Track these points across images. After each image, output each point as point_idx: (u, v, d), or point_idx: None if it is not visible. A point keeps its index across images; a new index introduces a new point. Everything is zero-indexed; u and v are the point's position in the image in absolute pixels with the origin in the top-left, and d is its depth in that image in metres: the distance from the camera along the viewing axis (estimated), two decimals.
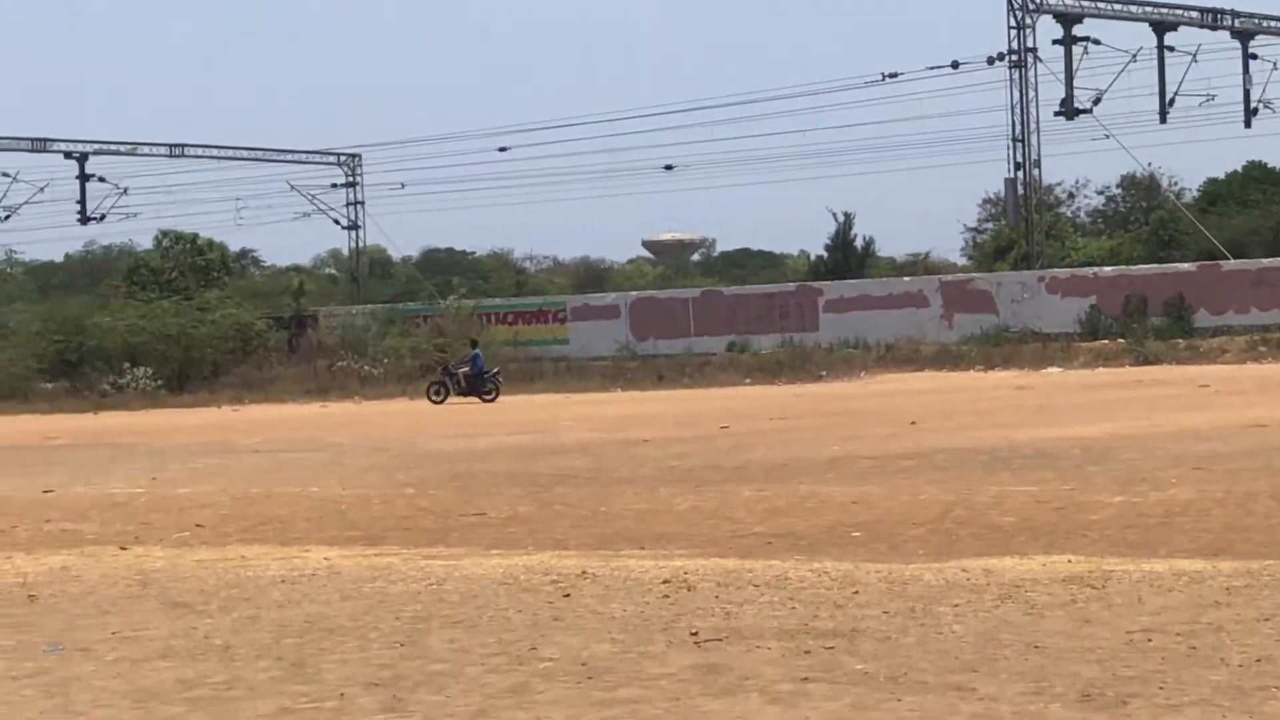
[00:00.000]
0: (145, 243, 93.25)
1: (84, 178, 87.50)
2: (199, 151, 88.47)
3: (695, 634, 11.65)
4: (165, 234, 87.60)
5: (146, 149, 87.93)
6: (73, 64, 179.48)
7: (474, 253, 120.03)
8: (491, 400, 52.83)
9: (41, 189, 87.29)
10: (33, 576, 16.03)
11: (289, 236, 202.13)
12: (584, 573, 14.75)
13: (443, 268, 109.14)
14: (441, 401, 52.92)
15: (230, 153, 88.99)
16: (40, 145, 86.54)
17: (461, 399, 52.89)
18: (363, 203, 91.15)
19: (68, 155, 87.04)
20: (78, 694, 10.46)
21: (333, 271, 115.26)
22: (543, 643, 11.53)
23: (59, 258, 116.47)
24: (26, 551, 18.35)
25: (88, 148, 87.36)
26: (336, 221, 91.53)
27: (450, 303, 72.26)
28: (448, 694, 10.03)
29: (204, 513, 21.98)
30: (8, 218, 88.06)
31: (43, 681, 10.91)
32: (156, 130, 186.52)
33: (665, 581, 14.08)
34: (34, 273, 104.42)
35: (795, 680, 10.06)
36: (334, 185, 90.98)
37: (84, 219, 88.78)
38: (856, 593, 13.19)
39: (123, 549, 18.20)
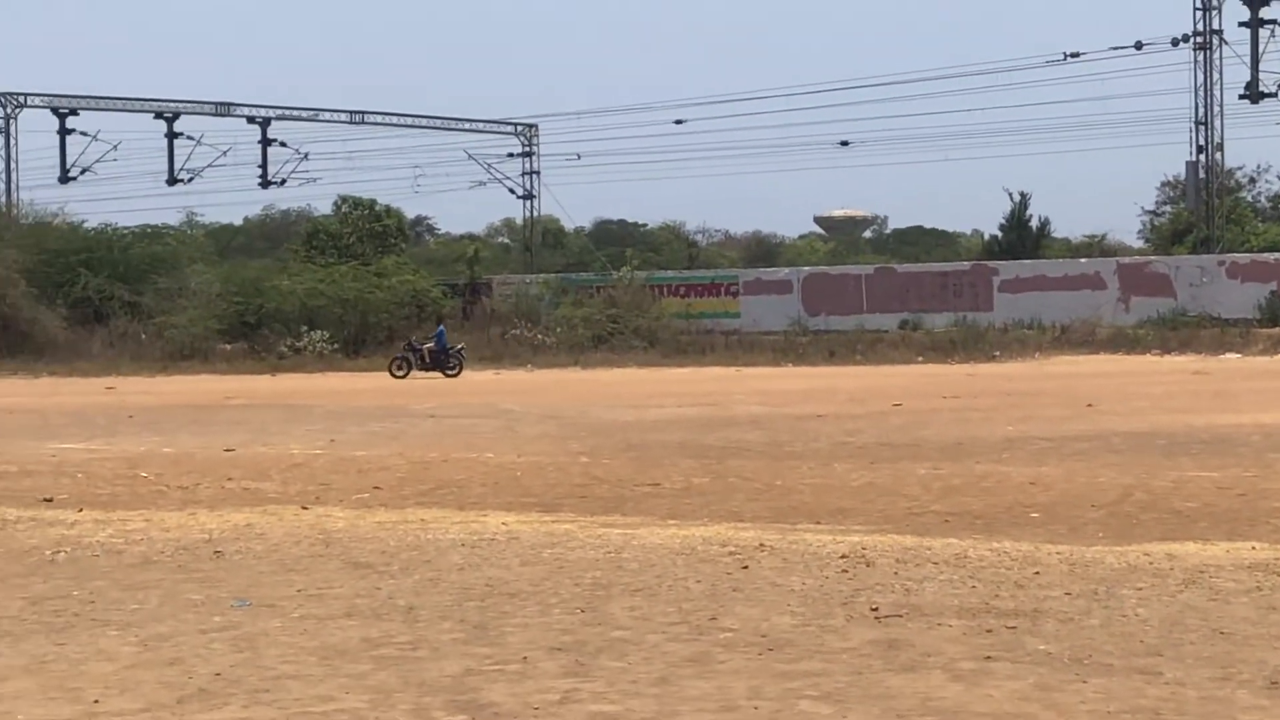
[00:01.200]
0: (324, 208, 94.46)
1: (266, 142, 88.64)
2: (379, 119, 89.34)
3: (875, 609, 11.62)
4: (344, 199, 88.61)
5: (328, 115, 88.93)
6: (257, 30, 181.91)
7: (646, 225, 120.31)
8: (455, 375, 53.20)
9: (224, 153, 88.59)
10: (218, 533, 16.31)
11: (464, 205, 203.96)
12: (761, 545, 14.76)
13: (615, 239, 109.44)
14: (404, 376, 52.83)
15: (409, 121, 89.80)
16: (224, 110, 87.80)
17: (424, 374, 53.21)
18: (538, 172, 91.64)
19: (250, 120, 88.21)
20: (265, 649, 10.63)
21: (506, 240, 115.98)
22: (722, 613, 11.56)
23: (239, 221, 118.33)
24: (210, 508, 18.68)
25: (270, 113, 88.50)
26: (512, 191, 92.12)
27: (623, 274, 72.47)
28: (629, 661, 10.08)
29: (382, 475, 22.25)
30: (191, 180, 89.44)
31: (231, 636, 11.10)
32: (338, 97, 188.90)
33: (843, 556, 14.05)
34: (214, 235, 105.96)
35: (978, 659, 10.01)
36: (510, 155, 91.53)
37: (265, 183, 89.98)
38: (1037, 573, 13.09)
39: (304, 508, 18.46)
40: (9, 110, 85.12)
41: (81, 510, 18.56)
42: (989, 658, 10.03)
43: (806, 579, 12.98)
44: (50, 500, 19.79)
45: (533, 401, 38.76)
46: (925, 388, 41.76)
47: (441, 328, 56.51)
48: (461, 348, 55.83)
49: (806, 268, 79.46)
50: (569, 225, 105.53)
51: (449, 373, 53.44)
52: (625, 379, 50.22)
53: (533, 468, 23.07)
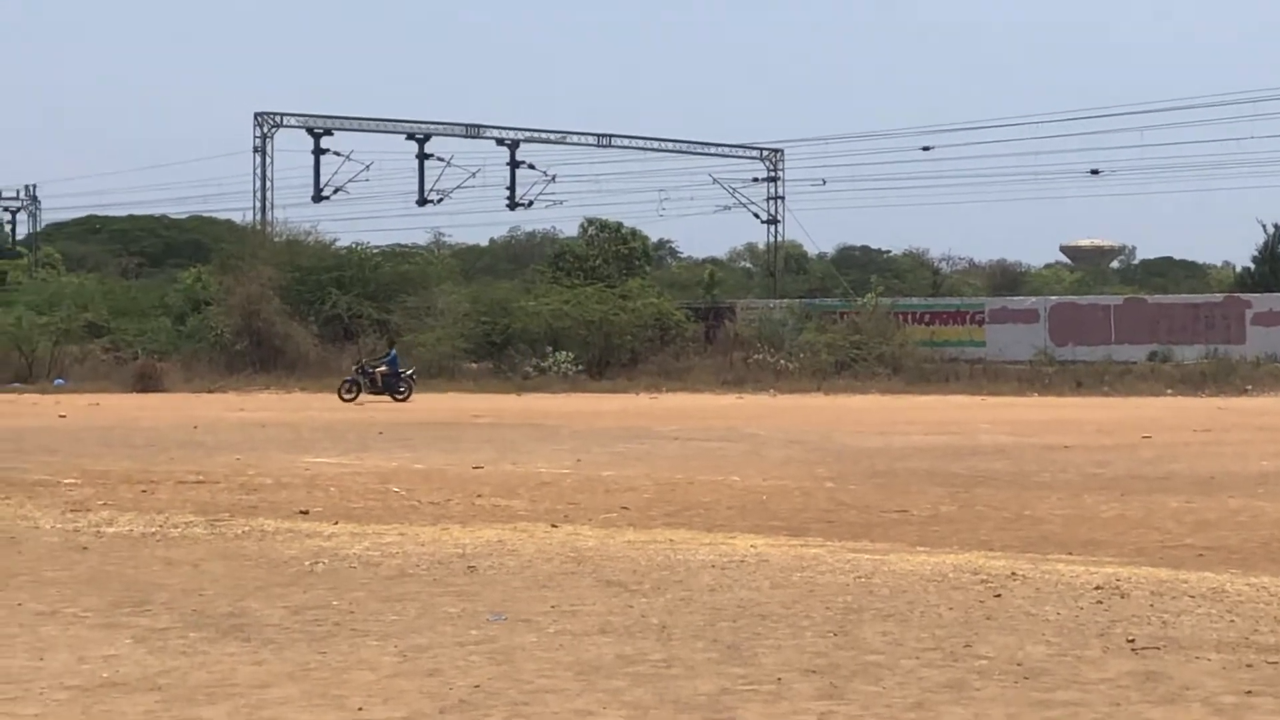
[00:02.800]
0: (570, 230, 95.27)
1: (514, 164, 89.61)
2: (625, 142, 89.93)
3: (1132, 641, 11.47)
4: (590, 221, 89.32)
5: (576, 138, 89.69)
6: (507, 53, 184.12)
7: (890, 251, 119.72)
8: (404, 399, 52.38)
9: (473, 174, 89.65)
10: (470, 548, 16.55)
11: (707, 228, 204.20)
12: (1013, 574, 14.64)
13: (858, 265, 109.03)
14: (353, 399, 52.00)
15: (656, 144, 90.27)
16: (474, 132, 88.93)
17: (373, 397, 52.41)
18: (783, 197, 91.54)
19: (500, 142, 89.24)
20: (522, 663, 10.78)
21: (748, 265, 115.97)
22: (976, 640, 11.49)
23: (486, 241, 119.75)
24: (462, 524, 18.95)
25: (519, 135, 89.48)
26: (756, 215, 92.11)
27: (867, 300, 72.16)
28: (884, 685, 10.07)
29: (629, 496, 22.39)
30: (440, 200, 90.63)
31: (488, 649, 11.27)
32: (585, 120, 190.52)
33: (1097, 587, 13.89)
34: (461, 255, 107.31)
35: (1239, 693, 9.85)
36: (755, 179, 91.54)
37: (512, 204, 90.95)
38: None
39: (554, 526, 18.65)
40: (266, 130, 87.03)
41: (337, 523, 18.94)
42: (1250, 692, 9.86)
43: (1060, 609, 12.86)
44: (306, 513, 20.21)
45: (776, 426, 38.73)
46: (1175, 420, 41.02)
47: (393, 351, 56.00)
48: (413, 371, 55.27)
49: (1054, 297, 78.47)
50: (812, 250, 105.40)
51: (398, 396, 52.63)
52: (868, 405, 49.99)
53: (779, 492, 23.06)
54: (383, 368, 53.96)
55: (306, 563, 15.59)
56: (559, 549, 16.48)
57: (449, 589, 14.00)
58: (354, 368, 55.27)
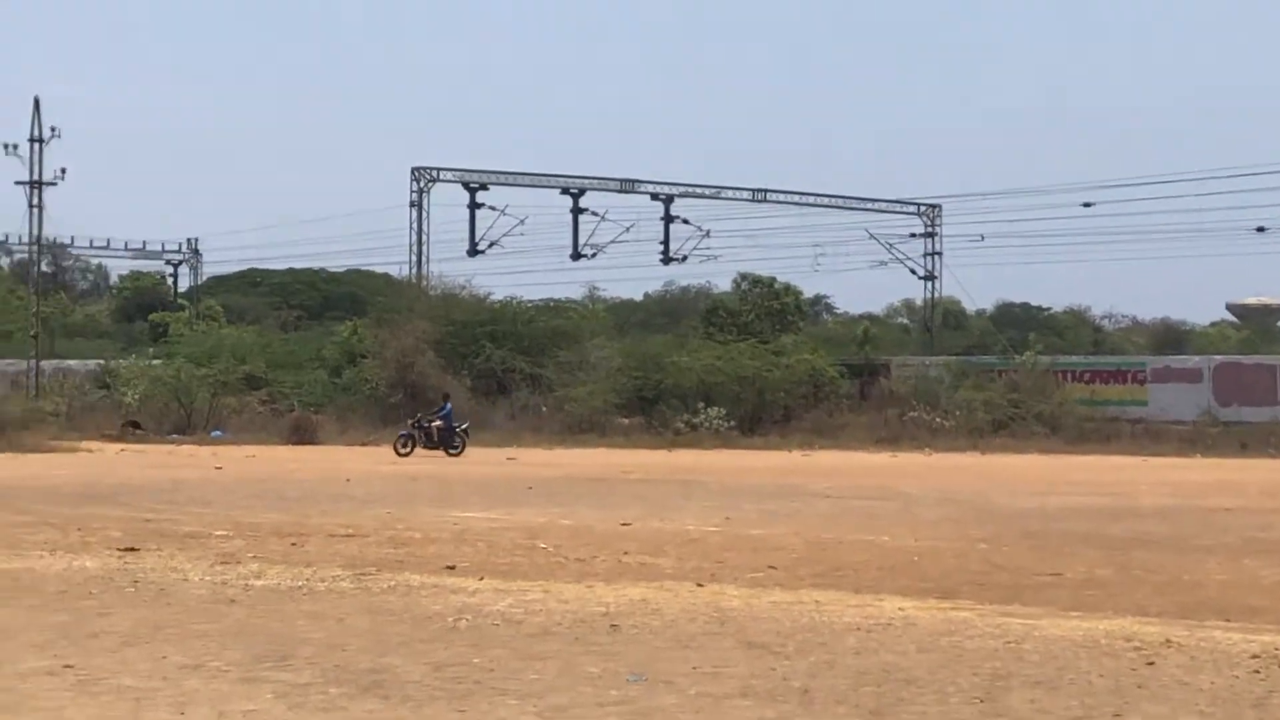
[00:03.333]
0: (724, 284, 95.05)
1: (668, 219, 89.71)
2: (780, 197, 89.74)
3: None
4: (744, 276, 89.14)
5: (730, 193, 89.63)
6: (662, 109, 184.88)
7: (1050, 308, 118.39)
8: (457, 454, 51.71)
9: (627, 229, 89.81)
10: (614, 606, 16.40)
11: (863, 284, 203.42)
12: (1168, 641, 14.26)
13: (1017, 322, 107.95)
14: (408, 453, 51.51)
15: (811, 199, 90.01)
16: (629, 186, 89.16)
17: (427, 451, 51.92)
18: (941, 253, 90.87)
19: (654, 197, 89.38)
20: None
21: (904, 321, 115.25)
22: (1127, 710, 11.18)
23: (639, 296, 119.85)
24: (606, 581, 18.81)
25: (673, 190, 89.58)
26: (913, 271, 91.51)
27: (1025, 358, 71.35)
28: None
29: (777, 555, 22.16)
30: (594, 255, 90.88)
31: (627, 710, 11.11)
32: (740, 175, 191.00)
33: (1255, 656, 13.50)
34: (615, 310, 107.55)
35: None
36: (912, 235, 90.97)
37: (666, 259, 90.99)
38: None
39: (699, 585, 18.47)
40: (423, 185, 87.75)
41: (483, 579, 18.87)
42: None
43: (1215, 678, 12.50)
44: (453, 568, 20.17)
45: (930, 485, 38.30)
46: None
47: (448, 405, 54.90)
48: (466, 426, 54.32)
49: (1218, 356, 77.12)
50: (970, 307, 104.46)
51: (451, 451, 52.12)
52: (1026, 465, 49.35)
53: (930, 552, 22.74)
54: (438, 422, 53.33)
55: (450, 619, 15.52)
56: (703, 608, 16.29)
57: (590, 648, 13.85)
58: (409, 422, 54.53)
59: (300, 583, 18.25)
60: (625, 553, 22.16)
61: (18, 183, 73.79)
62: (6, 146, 72.78)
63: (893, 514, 29.51)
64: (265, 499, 31.60)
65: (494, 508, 29.96)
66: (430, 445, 52.47)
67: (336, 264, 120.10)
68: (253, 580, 18.49)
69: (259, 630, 14.80)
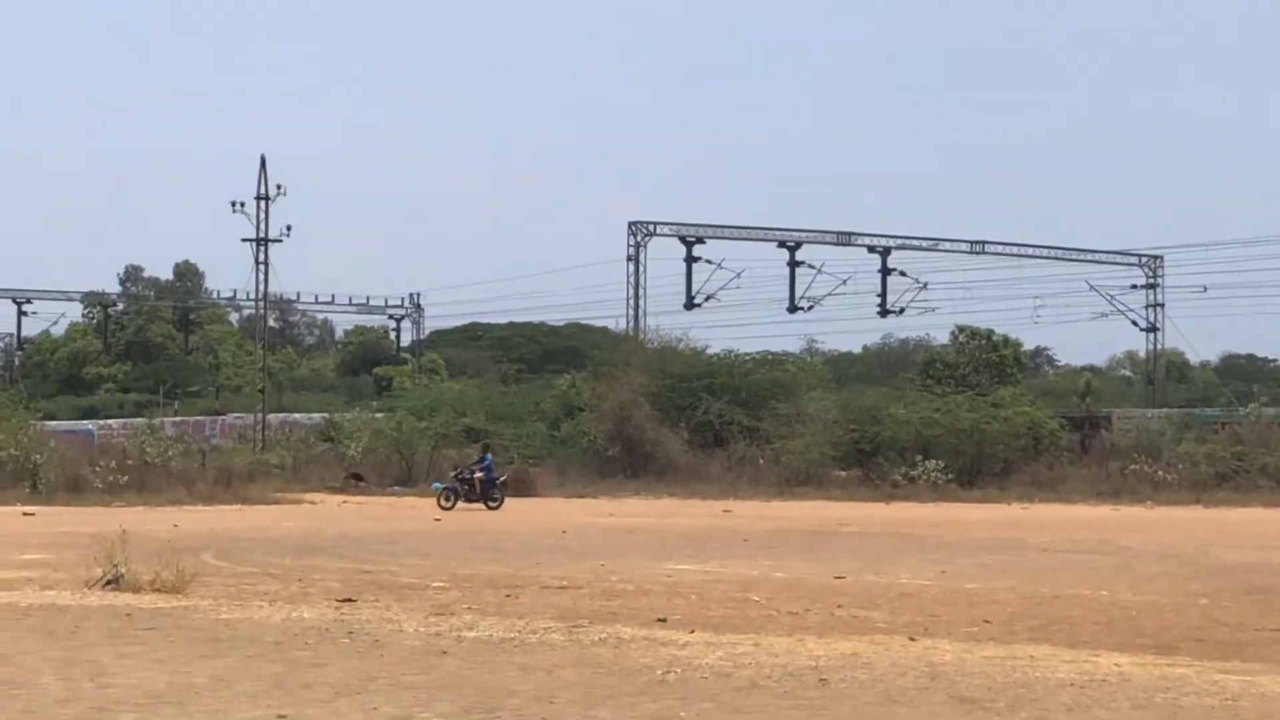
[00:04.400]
0: (941, 337, 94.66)
1: (885, 271, 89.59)
2: (999, 249, 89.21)
3: None
4: (962, 329, 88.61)
5: (948, 245, 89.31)
6: (878, 159, 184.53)
7: (1276, 360, 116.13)
8: (496, 508, 49.65)
9: (844, 281, 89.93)
10: (824, 660, 16.33)
11: (1084, 336, 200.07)
12: None
13: (1243, 374, 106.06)
14: (451, 507, 49.66)
15: (1030, 250, 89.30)
16: (845, 239, 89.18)
17: (466, 505, 50.11)
18: (1162, 305, 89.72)
19: (871, 249, 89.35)
20: None
21: (1126, 373, 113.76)
22: None
23: (857, 348, 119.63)
24: (818, 635, 18.74)
25: (890, 242, 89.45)
26: (1135, 323, 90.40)
27: (1250, 410, 70.00)
28: None
29: (992, 609, 21.94)
30: (811, 308, 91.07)
31: None
32: (958, 226, 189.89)
33: None
34: (832, 362, 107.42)
35: None
36: (1134, 286, 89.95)
37: (884, 311, 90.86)
38: None
39: (911, 639, 18.33)
40: (640, 239, 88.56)
41: (693, 631, 18.89)
42: None
43: None
44: (664, 620, 20.21)
45: (1151, 539, 37.68)
46: None
47: (488, 456, 53.06)
48: (504, 479, 52.53)
49: None
50: (1193, 359, 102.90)
51: (491, 505, 50.12)
52: (1250, 519, 48.34)
53: (1149, 607, 22.37)
54: (479, 473, 51.38)
55: (659, 671, 15.55)
56: (914, 663, 16.17)
57: (799, 702, 13.82)
58: (452, 474, 52.94)
59: (512, 634, 18.40)
60: (838, 606, 22.06)
61: (245, 240, 75.43)
62: (234, 204, 74.50)
63: (1111, 568, 29.08)
64: (482, 551, 31.94)
65: (708, 560, 30.00)
66: (471, 498, 50.75)
67: (556, 317, 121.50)
68: (465, 632, 18.66)
69: (469, 682, 14.95)
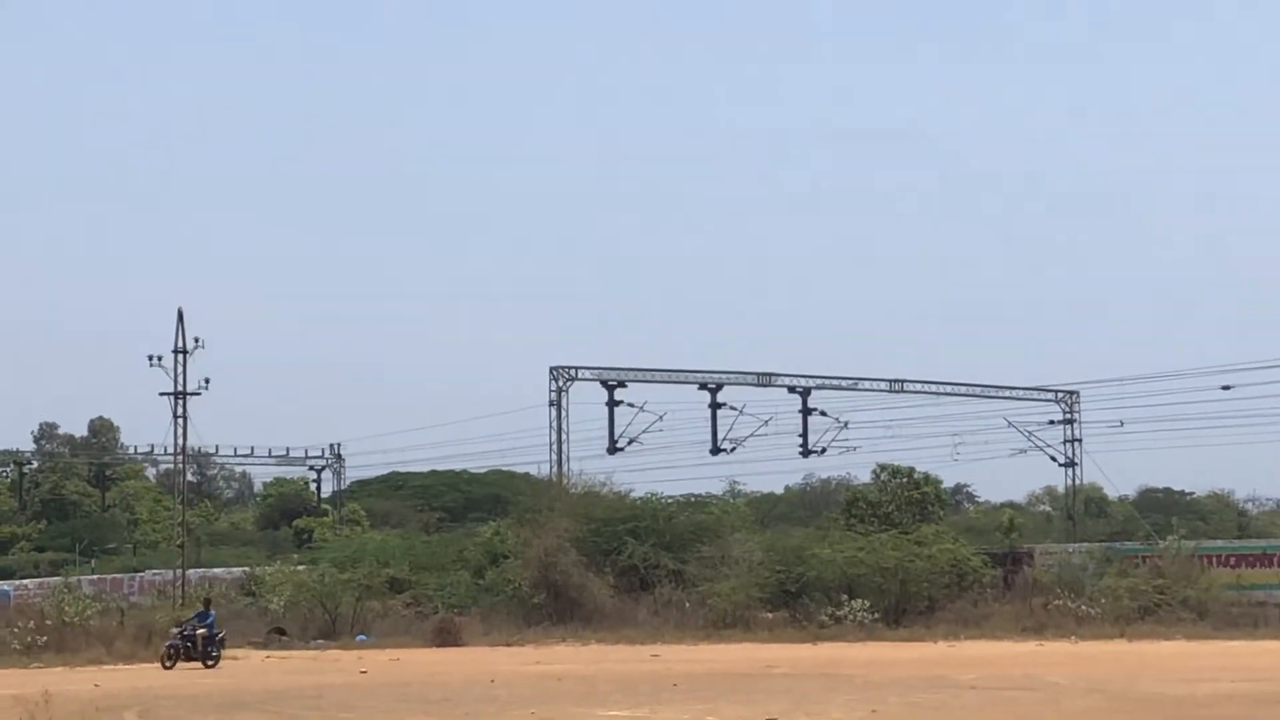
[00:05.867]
0: (863, 475, 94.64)
1: (806, 411, 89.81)
2: (918, 387, 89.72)
3: None
4: (883, 467, 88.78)
5: (867, 384, 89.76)
6: (797, 302, 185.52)
7: (1193, 493, 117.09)
8: (213, 666, 46.96)
9: (765, 422, 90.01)
10: None
11: (1003, 472, 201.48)
12: None
13: (1160, 507, 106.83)
14: (171, 667, 46.40)
15: (949, 389, 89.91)
16: (765, 380, 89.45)
17: (186, 664, 46.83)
18: (1080, 440, 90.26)
19: (791, 390, 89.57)
20: None
21: (1046, 509, 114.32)
22: None
23: (779, 489, 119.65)
24: None
25: (810, 382, 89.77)
26: (1053, 458, 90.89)
27: (1169, 543, 70.42)
28: None
29: None
30: (734, 449, 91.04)
31: None
32: (876, 365, 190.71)
33: None
34: (755, 503, 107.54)
35: None
36: (1051, 422, 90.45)
37: (805, 451, 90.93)
38: None
39: None
40: (561, 384, 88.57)
41: None
42: None
43: None
44: None
45: (1077, 673, 37.84)
46: None
47: (212, 611, 49.87)
48: (223, 635, 49.14)
49: None
50: (1112, 493, 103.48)
51: (209, 664, 47.08)
52: (1173, 652, 48.59)
53: None
54: (201, 630, 47.85)
55: None
56: None
57: None
58: (174, 631, 48.87)
59: None
60: None
61: (163, 394, 75.02)
62: (151, 359, 74.09)
63: (1039, 704, 29.19)
64: (410, 703, 31.75)
65: (639, 706, 29.92)
66: (191, 656, 47.16)
67: (478, 464, 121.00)
68: None
69: None
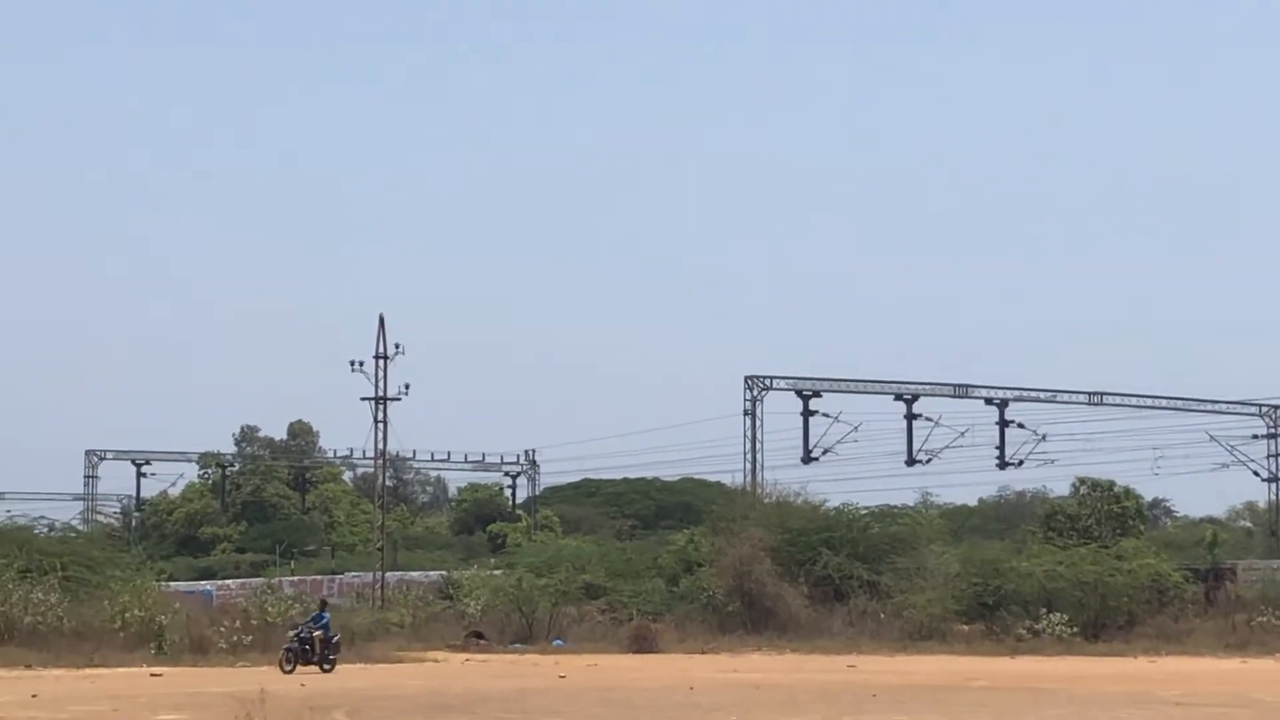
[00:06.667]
0: (1061, 489, 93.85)
1: (1003, 423, 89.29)
2: (1118, 400, 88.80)
3: None
4: (1082, 480, 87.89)
5: (1066, 396, 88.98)
6: (995, 313, 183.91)
7: None
8: (329, 670, 45.80)
9: (962, 433, 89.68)
10: None
11: (1204, 486, 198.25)
12: None
13: None
14: (291, 671, 44.98)
15: (1149, 401, 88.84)
16: (962, 391, 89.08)
17: (304, 667, 45.54)
18: None
19: (989, 401, 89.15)
20: None
21: (1247, 524, 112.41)
22: None
23: (974, 501, 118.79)
24: None
25: (1008, 394, 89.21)
26: (1256, 473, 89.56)
27: None
28: None
29: None
30: (929, 460, 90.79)
31: None
32: (1076, 378, 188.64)
33: None
34: (949, 515, 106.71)
35: None
36: (1255, 436, 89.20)
37: (1002, 464, 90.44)
38: None
39: None
40: (756, 393, 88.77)
41: None
42: None
43: None
44: None
45: None
46: None
47: (325, 614, 48.44)
48: (338, 638, 47.91)
49: None
50: None
51: (325, 668, 46.02)
52: None
53: None
54: (318, 633, 46.80)
55: None
56: None
57: None
58: (291, 634, 47.52)
59: None
60: None
61: (364, 399, 76.12)
62: (354, 363, 75.20)
63: None
64: (612, 707, 31.93)
65: (840, 715, 29.88)
66: (309, 660, 46.08)
67: (670, 473, 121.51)
68: None
69: None
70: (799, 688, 38.91)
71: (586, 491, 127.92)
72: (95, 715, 29.51)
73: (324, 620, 47.51)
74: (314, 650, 46.25)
